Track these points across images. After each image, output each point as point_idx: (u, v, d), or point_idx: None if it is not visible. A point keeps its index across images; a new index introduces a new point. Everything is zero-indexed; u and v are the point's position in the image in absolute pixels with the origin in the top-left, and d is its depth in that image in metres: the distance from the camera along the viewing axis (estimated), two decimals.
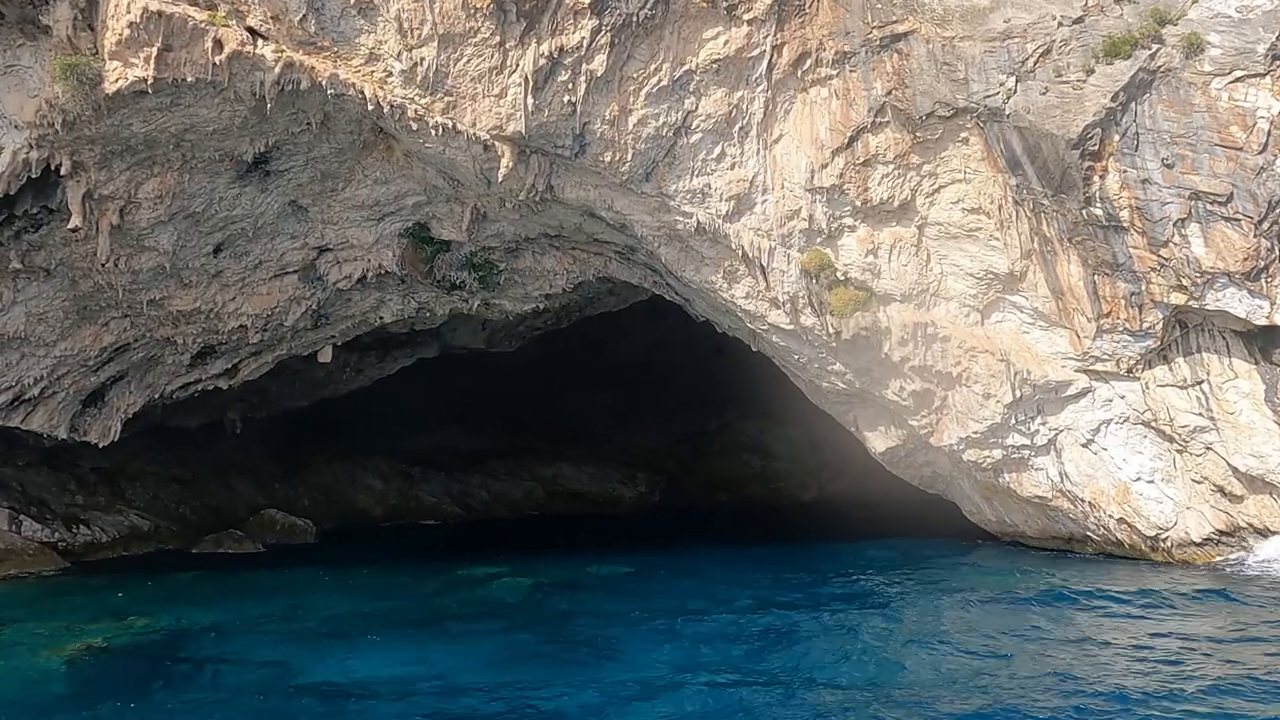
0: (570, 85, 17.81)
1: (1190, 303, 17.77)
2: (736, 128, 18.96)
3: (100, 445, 22.42)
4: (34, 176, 17.51)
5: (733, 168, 19.15)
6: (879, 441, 21.60)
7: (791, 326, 20.15)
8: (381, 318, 22.77)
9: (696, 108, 18.60)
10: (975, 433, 19.78)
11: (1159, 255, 17.71)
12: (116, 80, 16.46)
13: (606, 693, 11.30)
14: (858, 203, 19.09)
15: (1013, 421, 19.49)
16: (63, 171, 17.60)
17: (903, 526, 26.40)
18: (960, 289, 19.37)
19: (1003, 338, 19.28)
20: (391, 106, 17.56)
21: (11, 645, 13.84)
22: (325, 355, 23.51)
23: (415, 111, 17.67)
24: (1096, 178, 17.72)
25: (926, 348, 19.47)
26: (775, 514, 34.73)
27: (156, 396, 22.71)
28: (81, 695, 11.59)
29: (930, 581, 18.60)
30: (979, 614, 15.61)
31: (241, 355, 22.81)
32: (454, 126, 17.86)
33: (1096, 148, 17.64)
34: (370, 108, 17.51)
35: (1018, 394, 19.15)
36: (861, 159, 18.90)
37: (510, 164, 18.29)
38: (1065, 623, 14.24)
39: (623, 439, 42.12)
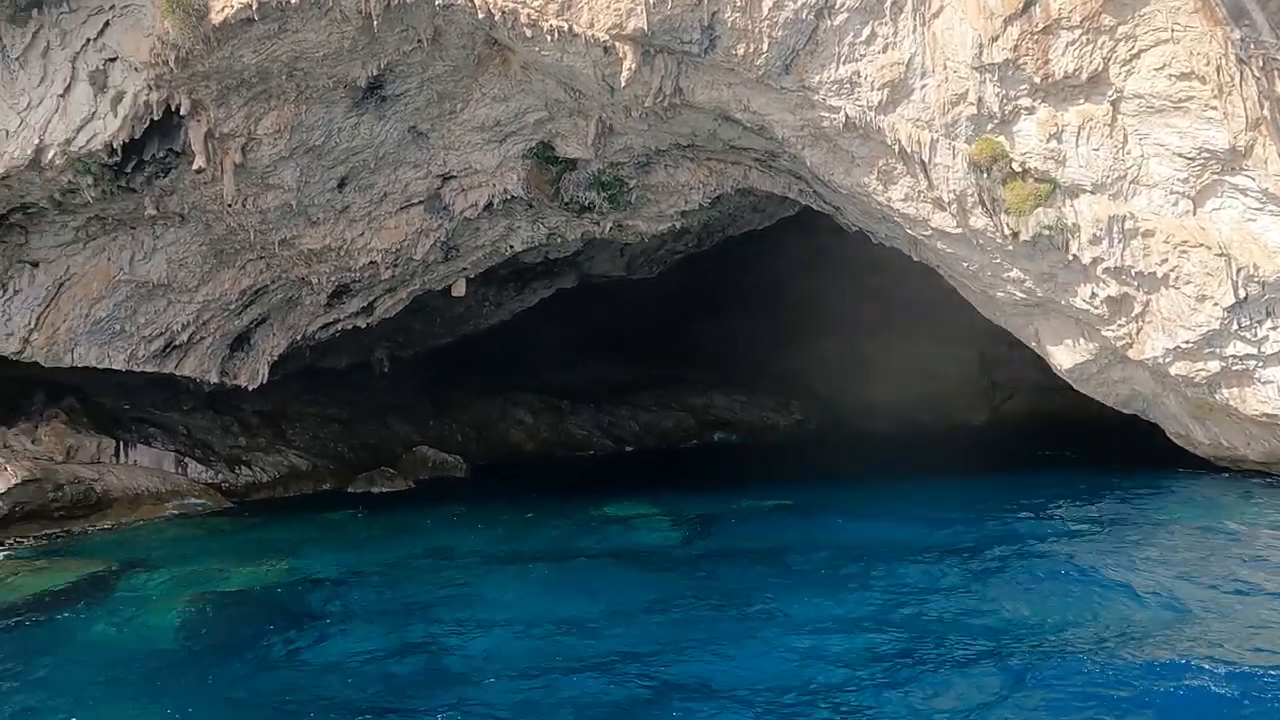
0: None
1: None
2: (888, 3, 16.44)
3: (250, 388, 22.69)
4: (156, 119, 17.27)
5: (885, 50, 16.70)
6: (1065, 357, 18.95)
7: (959, 230, 17.71)
8: (512, 246, 21.78)
9: None
10: (1186, 342, 16.90)
11: None
12: (223, 9, 15.79)
13: (757, 653, 9.92)
14: (1037, 79, 16.29)
15: (1234, 327, 16.49)
16: (183, 111, 17.24)
17: (1092, 452, 23.66)
18: (1166, 173, 16.35)
19: (1221, 228, 16.20)
20: (503, 13, 16.12)
21: (153, 588, 13.91)
22: (459, 289, 22.84)
23: (528, 16, 16.16)
24: None
25: (1124, 245, 16.66)
26: (943, 440, 32.23)
27: (299, 338, 22.72)
28: (206, 643, 11.32)
29: (1136, 513, 16.21)
30: (1201, 550, 13.27)
31: (376, 293, 22.43)
32: (570, 29, 16.26)
33: None
34: (480, 16, 16.14)
35: (1241, 294, 16.12)
36: (1041, 25, 16.03)
37: (633, 67, 16.59)
38: None
39: (775, 365, 40.32)
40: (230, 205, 18.65)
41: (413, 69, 17.81)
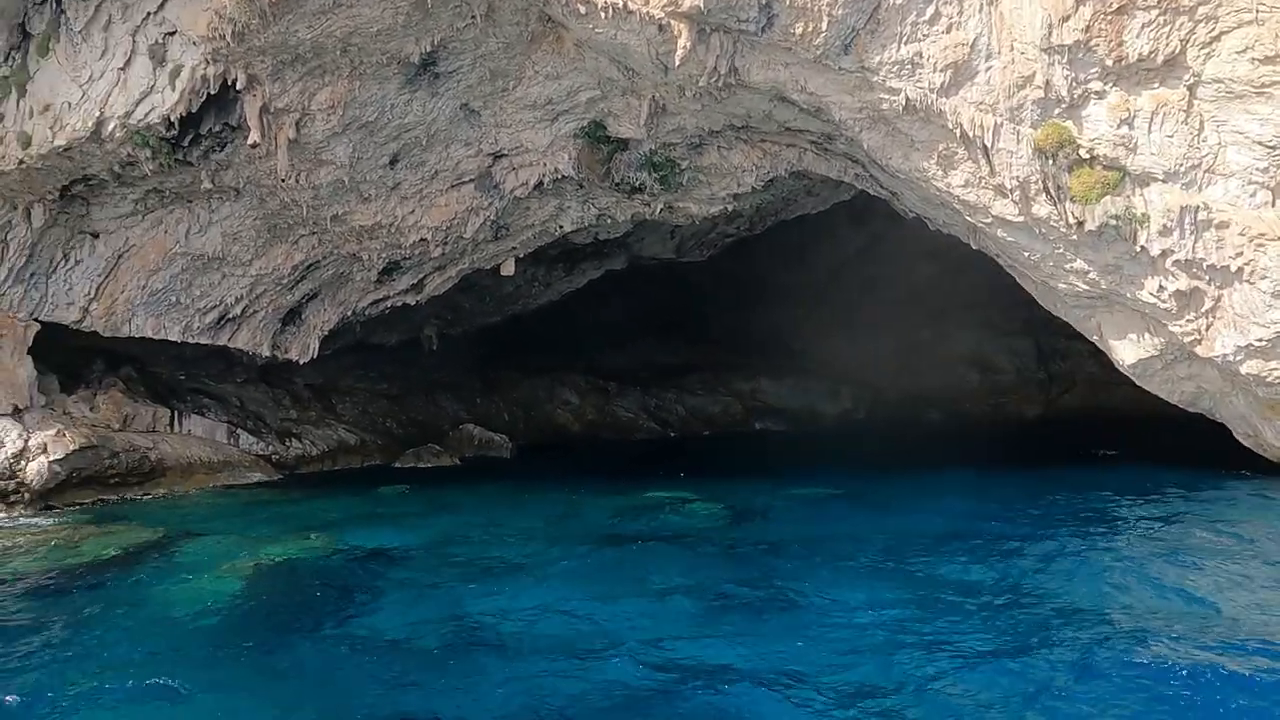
0: None
1: None
2: None
3: (300, 362, 22.93)
4: (213, 93, 17.42)
5: (949, 30, 16.14)
6: (1129, 352, 18.28)
7: (1021, 218, 17.13)
8: (561, 226, 21.64)
9: None
10: (1260, 340, 16.16)
11: None
12: None
13: (799, 642, 9.70)
14: (1109, 61, 15.61)
15: None
16: (239, 86, 17.37)
17: (1151, 450, 22.90)
18: (1244, 162, 15.59)
19: None
20: None
21: (204, 557, 14.09)
22: (508, 268, 22.80)
23: None
24: None
25: (1196, 237, 15.95)
26: (996, 432, 31.54)
27: (349, 313, 22.89)
28: (252, 614, 11.40)
29: (1196, 516, 15.55)
30: (1260, 555, 12.71)
31: (426, 270, 22.49)
32: (625, 6, 15.98)
33: None
34: None
35: None
36: (1115, 5, 15.33)
37: (688, 45, 16.27)
38: None
39: (825, 352, 39.82)
40: (284, 180, 18.78)
41: (466, 45, 17.71)
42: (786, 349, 39.47)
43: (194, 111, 17.55)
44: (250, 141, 17.83)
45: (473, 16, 16.98)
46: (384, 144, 19.06)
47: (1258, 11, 14.86)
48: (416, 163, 19.61)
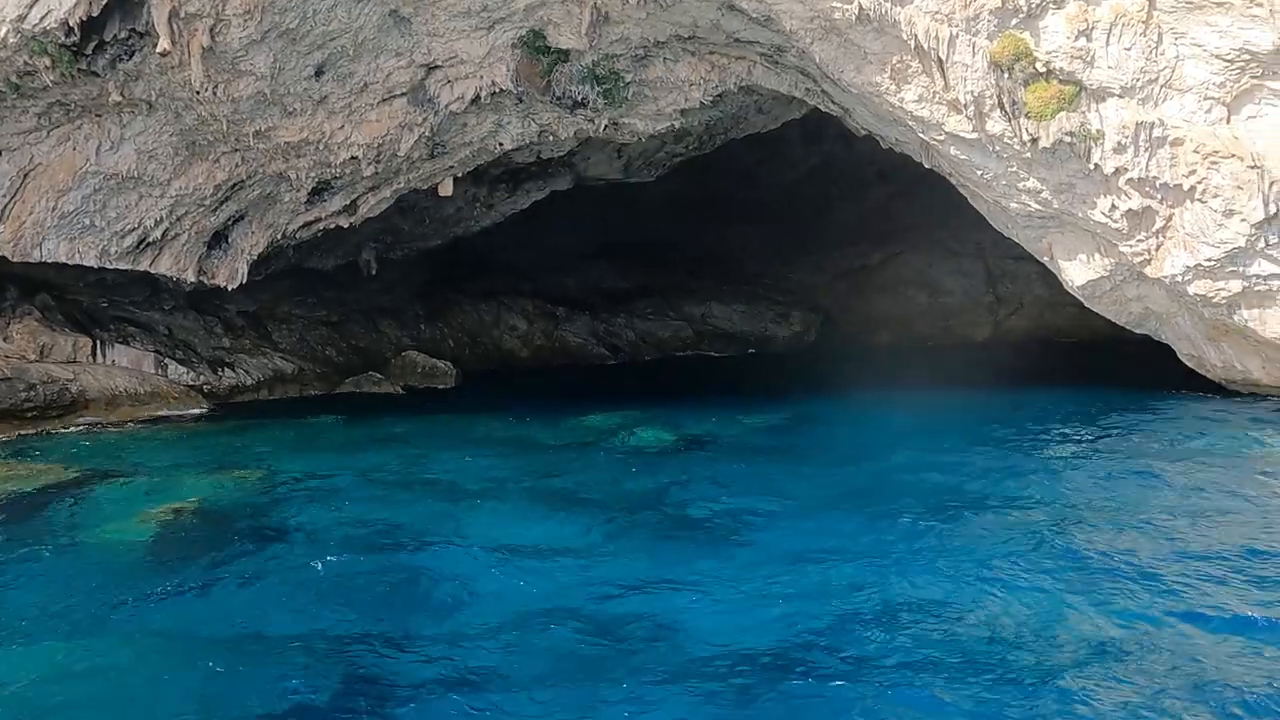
0: None
1: None
2: None
3: (229, 288, 21.87)
4: None
5: None
6: (1079, 273, 18.09)
7: (975, 135, 16.65)
8: (501, 144, 20.64)
9: None
10: (1208, 260, 16.03)
11: None
12: None
13: (734, 587, 9.38)
14: None
15: (1261, 245, 15.60)
16: None
17: (1097, 371, 23.02)
18: (1201, 77, 15.21)
19: (1257, 139, 15.14)
20: None
21: (118, 497, 13.36)
22: (446, 188, 21.79)
23: None
24: None
25: (1151, 154, 15.63)
26: (944, 355, 31.58)
27: (280, 236, 21.78)
28: (164, 559, 10.80)
29: (1149, 440, 15.57)
30: (1208, 470, 12.75)
31: (358, 190, 21.38)
32: None
33: None
34: None
35: (1271, 210, 15.18)
36: None
37: None
38: None
39: (776, 275, 39.44)
40: (199, 93, 17.50)
41: None
42: (738, 271, 38.98)
43: (96, 16, 16.13)
44: (160, 49, 16.48)
45: None
46: (308, 53, 17.80)
47: None
48: (344, 74, 18.40)
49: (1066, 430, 16.63)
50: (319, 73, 18.23)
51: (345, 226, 22.41)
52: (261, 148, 19.24)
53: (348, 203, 21.52)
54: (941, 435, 16.48)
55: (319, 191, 20.90)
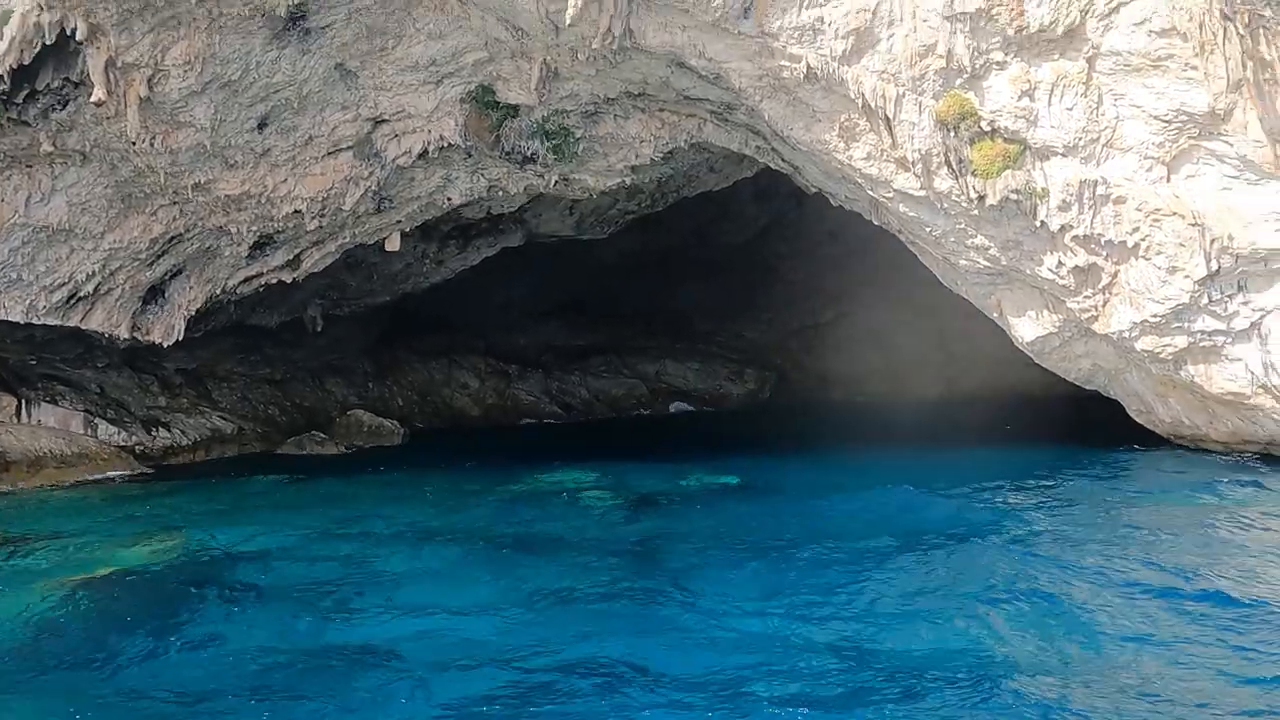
0: None
1: None
2: None
3: (165, 345, 21.09)
4: (49, 43, 15.57)
5: None
6: (1028, 329, 18.14)
7: (923, 192, 16.73)
8: (450, 198, 20.35)
9: None
10: (1154, 316, 16.14)
11: None
12: None
13: (679, 647, 8.91)
14: (1010, 31, 15.25)
15: (1204, 301, 15.75)
16: (79, 36, 15.57)
17: (1048, 427, 23.06)
18: (1141, 136, 15.45)
19: (1196, 197, 15.37)
20: None
21: (32, 565, 12.51)
22: (393, 243, 21.39)
23: None
24: None
25: (1094, 212, 15.79)
26: (897, 413, 31.55)
27: (219, 291, 21.13)
28: (76, 632, 10.02)
29: (1089, 491, 15.46)
30: (1152, 527, 12.59)
31: (302, 245, 20.89)
32: None
33: None
34: None
35: (1213, 266, 15.35)
36: None
37: (580, 2, 15.26)
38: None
39: (729, 332, 39.44)
40: (136, 144, 17.03)
41: None
42: (692, 329, 38.92)
43: (28, 64, 15.67)
44: (94, 99, 16.03)
45: None
46: (250, 105, 17.46)
47: None
48: (288, 127, 18.05)
49: (1003, 493, 16.36)
50: (262, 125, 17.87)
51: (289, 282, 21.82)
52: (201, 200, 18.73)
53: (291, 257, 20.99)
54: (889, 494, 16.17)
55: (261, 246, 20.37)
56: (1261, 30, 14.11)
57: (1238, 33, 14.28)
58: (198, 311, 21.41)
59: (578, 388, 38.19)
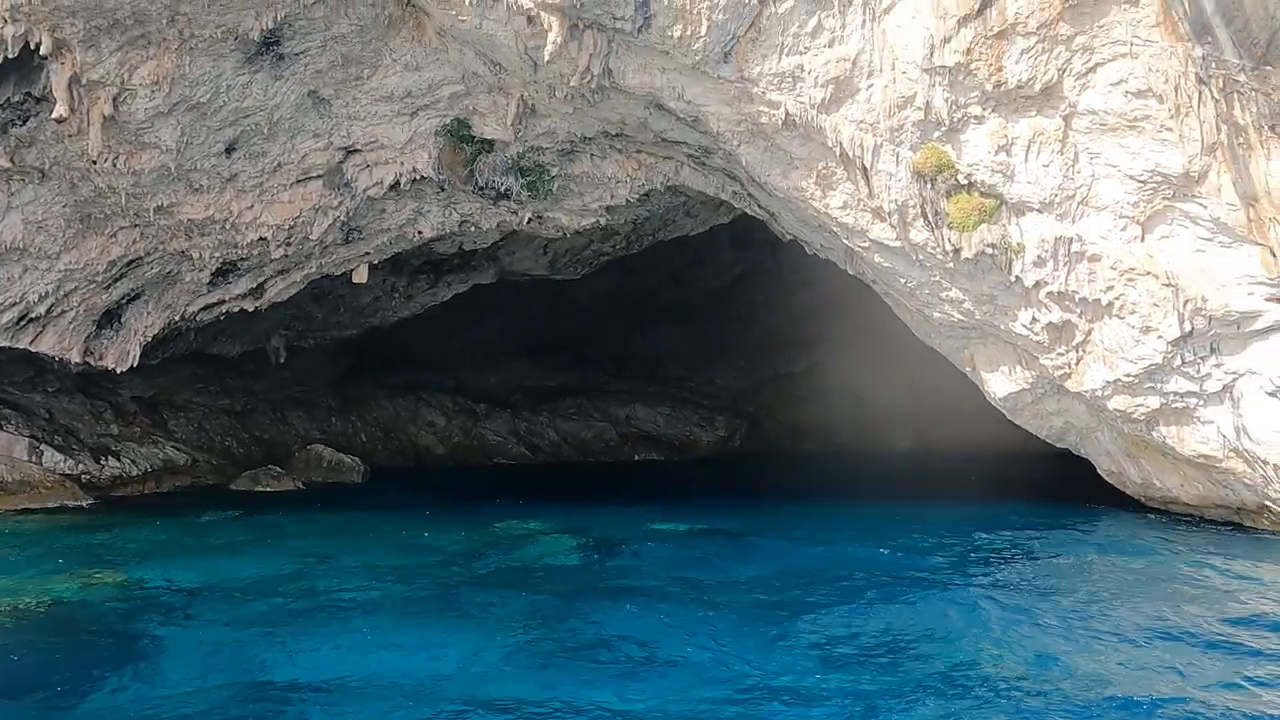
0: None
1: None
2: None
3: (119, 370, 20.42)
4: (11, 56, 15.15)
5: (831, 44, 15.50)
6: (1001, 384, 17.98)
7: (898, 243, 16.60)
8: (421, 232, 20.00)
9: None
10: (1127, 375, 16.02)
11: None
12: None
13: (632, 690, 8.44)
14: (988, 86, 15.25)
15: (1177, 362, 15.65)
16: (44, 51, 15.17)
17: (1017, 485, 22.88)
18: (1117, 195, 15.45)
19: (1170, 257, 15.34)
20: None
21: None
22: (360, 275, 20.96)
23: None
24: None
25: (1069, 269, 15.71)
26: (867, 464, 31.31)
27: (178, 318, 20.55)
28: None
29: (1051, 549, 15.18)
30: (1113, 589, 12.31)
31: (266, 273, 20.41)
32: None
33: None
34: None
35: (1186, 328, 15.28)
36: (996, 29, 14.99)
37: (559, 40, 15.11)
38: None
39: (701, 378, 39.17)
40: (97, 163, 16.57)
41: (315, 25, 16.02)
42: (663, 373, 38.61)
43: None
44: (55, 116, 15.59)
45: None
46: (218, 129, 17.09)
47: (1132, 45, 14.75)
48: (256, 153, 17.68)
49: (970, 548, 16.05)
50: (230, 149, 17.49)
51: (251, 311, 21.29)
52: (163, 224, 18.25)
53: (254, 286, 20.49)
54: (853, 551, 15.80)
55: (223, 273, 19.87)
56: (1236, 94, 14.18)
57: (1213, 96, 14.35)
58: (155, 338, 20.80)
59: (546, 429, 37.66)
